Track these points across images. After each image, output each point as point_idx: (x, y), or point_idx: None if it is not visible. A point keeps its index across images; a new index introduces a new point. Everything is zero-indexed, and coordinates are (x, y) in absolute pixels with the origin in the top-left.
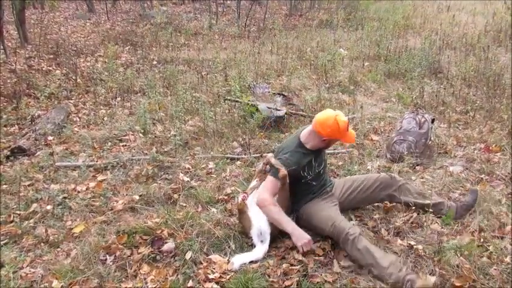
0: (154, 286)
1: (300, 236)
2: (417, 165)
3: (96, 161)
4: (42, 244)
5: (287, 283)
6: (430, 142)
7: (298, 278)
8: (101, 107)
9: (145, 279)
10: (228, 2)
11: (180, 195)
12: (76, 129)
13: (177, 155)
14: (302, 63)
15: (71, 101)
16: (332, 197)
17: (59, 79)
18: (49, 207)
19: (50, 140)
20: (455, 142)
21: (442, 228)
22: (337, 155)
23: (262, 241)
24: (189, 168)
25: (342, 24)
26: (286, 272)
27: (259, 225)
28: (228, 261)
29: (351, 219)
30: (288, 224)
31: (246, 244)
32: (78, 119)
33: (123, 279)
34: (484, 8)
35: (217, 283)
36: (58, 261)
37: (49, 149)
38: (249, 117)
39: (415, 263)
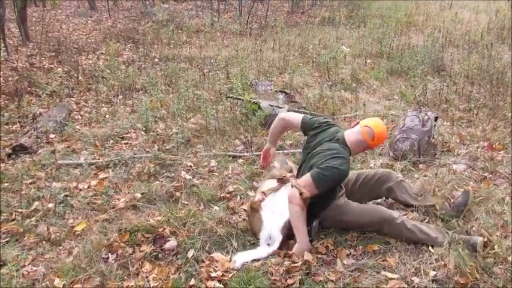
0: (156, 284)
1: (302, 250)
2: (420, 163)
3: (98, 159)
4: (44, 242)
5: (289, 281)
6: (433, 140)
7: (300, 277)
8: (103, 105)
9: (147, 277)
10: None
11: (182, 193)
12: (78, 127)
13: (179, 153)
14: (304, 60)
15: (73, 99)
16: (344, 193)
17: (60, 77)
18: (51, 205)
19: (52, 138)
20: (459, 140)
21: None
22: None
23: (269, 244)
24: (191, 166)
25: (344, 22)
26: (288, 270)
27: (270, 229)
28: (230, 260)
29: None
30: (302, 234)
31: (248, 242)
32: (79, 117)
33: (125, 277)
34: (487, 6)
35: (219, 281)
36: (60, 259)
37: (51, 147)
38: (251, 115)
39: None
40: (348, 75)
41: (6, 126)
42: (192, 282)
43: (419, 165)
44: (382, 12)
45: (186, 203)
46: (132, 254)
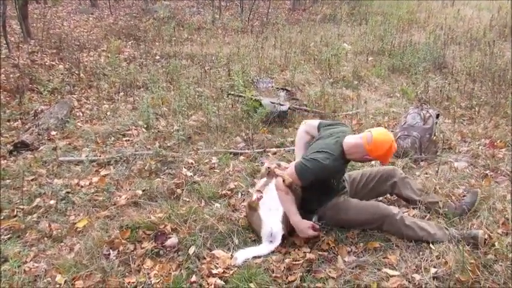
0: (157, 281)
1: (303, 229)
2: (421, 160)
3: (99, 156)
4: (45, 239)
5: (290, 278)
6: (434, 137)
7: (301, 274)
8: (104, 102)
9: (148, 274)
10: None
11: (183, 190)
12: (79, 124)
13: (180, 150)
14: (305, 58)
15: (74, 96)
16: (347, 192)
17: (61, 74)
18: (52, 202)
19: (53, 135)
20: (460, 137)
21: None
22: None
23: (271, 241)
24: (192, 163)
25: (345, 19)
26: (289, 267)
27: (270, 226)
28: (231, 257)
29: None
30: (294, 216)
31: (250, 239)
32: (81, 114)
33: (127, 274)
34: (489, 3)
35: (220, 278)
36: (61, 255)
37: (52, 143)
38: (252, 112)
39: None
40: (349, 72)
41: (8, 123)
42: (194, 278)
43: (421, 163)
44: (384, 9)
45: (187, 200)
46: (133, 251)
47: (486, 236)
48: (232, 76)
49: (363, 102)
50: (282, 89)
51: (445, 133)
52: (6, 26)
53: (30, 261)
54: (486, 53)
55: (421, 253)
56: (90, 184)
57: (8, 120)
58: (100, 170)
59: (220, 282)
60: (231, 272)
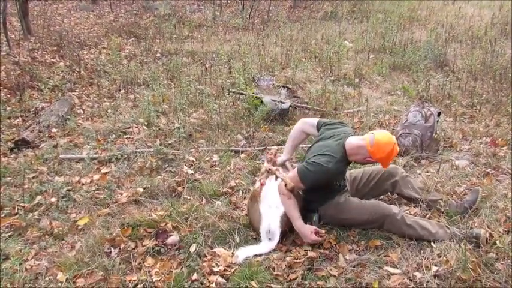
0: (158, 279)
1: (307, 234)
2: (422, 158)
3: (100, 154)
4: (46, 236)
5: (292, 276)
6: (436, 136)
7: (303, 272)
8: (105, 99)
9: (149, 271)
10: None
11: (184, 188)
12: (80, 121)
13: (181, 148)
14: (307, 55)
15: (75, 93)
16: (348, 191)
17: (62, 71)
18: (53, 199)
19: (54, 132)
20: (461, 136)
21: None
22: None
23: (270, 239)
24: (193, 161)
25: (346, 17)
26: (290, 265)
27: (269, 223)
28: (233, 254)
29: None
30: (297, 221)
31: (251, 237)
32: (81, 111)
33: (128, 271)
34: (490, 1)
35: (221, 276)
36: (63, 253)
37: (53, 141)
38: (253, 110)
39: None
40: (350, 70)
41: (8, 121)
42: (195, 276)
43: (422, 161)
44: (385, 7)
45: (188, 197)
46: (134, 249)
47: (487, 235)
48: (233, 74)
49: (364, 100)
50: (283, 86)
51: (446, 131)
52: (6, 23)
53: (32, 259)
54: (488, 51)
55: (422, 251)
56: (91, 182)
57: (9, 118)
58: (101, 167)
59: (221, 280)
60: (232, 270)
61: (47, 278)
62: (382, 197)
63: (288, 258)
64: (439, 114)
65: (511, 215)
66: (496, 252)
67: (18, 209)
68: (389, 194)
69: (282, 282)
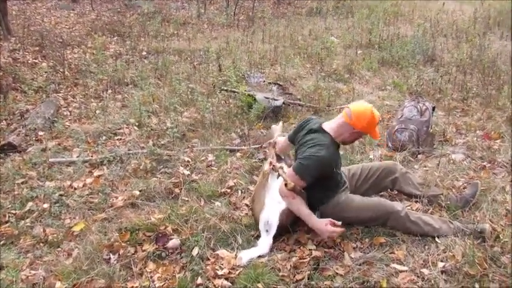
0: (162, 284)
1: (322, 229)
2: (419, 153)
3: (92, 156)
4: (41, 244)
5: (298, 277)
6: (431, 130)
7: (309, 272)
8: (92, 100)
9: (152, 277)
10: None
11: (181, 189)
12: (67, 123)
13: (175, 148)
14: (295, 51)
15: (60, 95)
16: (348, 188)
17: (45, 72)
18: (45, 205)
19: (41, 136)
20: (455, 130)
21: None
22: None
23: (267, 231)
24: (188, 161)
25: (331, 12)
26: (296, 265)
27: (268, 215)
28: (236, 256)
29: None
30: (309, 218)
31: (253, 238)
32: (68, 113)
33: (129, 278)
34: None
35: (226, 279)
36: (59, 261)
37: (41, 144)
38: (246, 107)
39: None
40: (340, 66)
41: None
42: (199, 280)
43: (418, 156)
44: (368, 2)
45: (187, 199)
46: (134, 254)
47: (491, 229)
48: (224, 71)
49: (356, 95)
50: (273, 83)
51: (440, 125)
52: None
53: (27, 268)
54: (475, 45)
55: (427, 247)
56: (84, 186)
57: None
58: (93, 170)
59: (226, 283)
60: (237, 272)
61: None
62: (382, 193)
63: (293, 259)
64: (433, 109)
65: (510, 208)
66: (501, 246)
67: (9, 216)
68: (389, 190)
69: (288, 283)
